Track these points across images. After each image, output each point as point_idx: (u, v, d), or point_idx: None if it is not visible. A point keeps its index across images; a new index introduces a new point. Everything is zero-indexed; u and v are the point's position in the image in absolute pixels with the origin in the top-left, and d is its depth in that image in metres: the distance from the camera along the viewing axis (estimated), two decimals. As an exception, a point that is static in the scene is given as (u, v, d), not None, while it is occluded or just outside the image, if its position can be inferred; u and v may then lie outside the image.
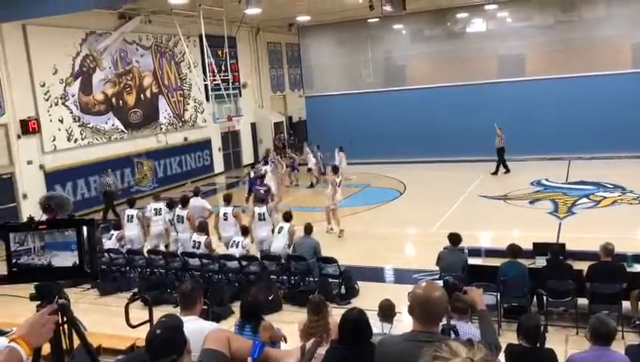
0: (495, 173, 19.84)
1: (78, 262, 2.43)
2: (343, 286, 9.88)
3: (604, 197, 15.48)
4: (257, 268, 10.32)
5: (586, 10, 24.16)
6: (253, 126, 27.60)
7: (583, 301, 8.01)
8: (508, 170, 19.77)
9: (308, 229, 10.60)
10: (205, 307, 8.48)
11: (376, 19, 24.82)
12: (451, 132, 22.91)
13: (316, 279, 9.96)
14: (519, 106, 22.24)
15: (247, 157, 26.88)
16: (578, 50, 23.64)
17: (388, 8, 19.66)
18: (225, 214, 11.65)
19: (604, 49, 23.40)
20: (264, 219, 11.41)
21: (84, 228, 2.46)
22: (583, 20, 24.33)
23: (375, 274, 11.12)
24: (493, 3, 24.26)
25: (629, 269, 8.02)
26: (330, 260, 10.01)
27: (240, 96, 25.27)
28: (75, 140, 18.53)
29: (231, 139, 26.00)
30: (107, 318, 8.83)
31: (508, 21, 25.68)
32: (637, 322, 7.37)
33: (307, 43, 28.19)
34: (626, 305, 7.81)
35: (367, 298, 9.19)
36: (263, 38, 28.44)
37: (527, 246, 8.94)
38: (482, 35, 25.94)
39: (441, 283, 3.20)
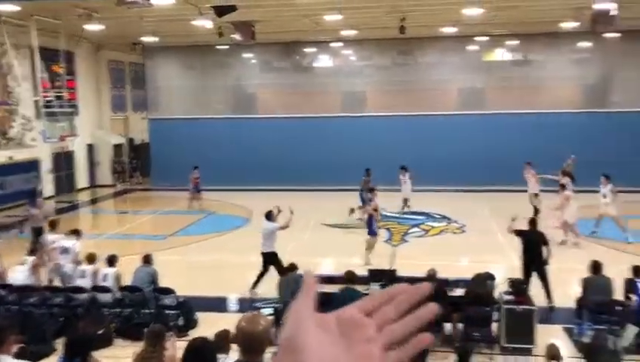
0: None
1: None
2: (181, 318, 9.48)
3: (433, 227, 16.77)
4: (86, 300, 9.54)
5: (420, 55, 26.38)
6: (90, 147, 25.92)
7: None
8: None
9: (146, 258, 10.10)
10: (23, 345, 7.67)
11: (226, 47, 24.86)
12: (298, 162, 23.46)
13: (152, 310, 9.45)
14: (360, 140, 23.46)
15: (82, 180, 25.09)
16: (412, 91, 25.68)
17: (237, 37, 19.79)
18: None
19: (435, 91, 25.71)
20: (67, 253, 10.57)
21: None
22: (417, 64, 26.51)
23: (218, 304, 10.85)
24: (338, 41, 25.52)
25: (451, 293, 8.69)
26: (168, 291, 9.58)
27: (76, 115, 23.64)
28: None
29: (64, 161, 24.09)
30: None
31: (352, 59, 27.17)
32: (456, 344, 7.95)
33: (153, 64, 27.30)
34: (448, 326, 8.44)
35: (208, 329, 8.89)
36: (105, 55, 27.04)
37: (363, 272, 9.35)
38: (328, 70, 27.13)
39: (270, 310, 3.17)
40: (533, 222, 10.76)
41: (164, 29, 21.36)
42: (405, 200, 18.60)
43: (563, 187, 14.85)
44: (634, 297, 8.68)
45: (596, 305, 8.44)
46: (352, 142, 23.44)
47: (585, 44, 25.08)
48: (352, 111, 25.29)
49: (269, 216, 11.25)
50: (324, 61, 27.54)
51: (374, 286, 8.91)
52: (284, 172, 23.15)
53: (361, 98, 26.72)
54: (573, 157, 20.64)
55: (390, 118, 24.22)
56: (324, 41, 25.77)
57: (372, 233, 12.76)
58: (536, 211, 16.05)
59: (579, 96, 25.85)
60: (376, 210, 12.94)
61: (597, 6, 17.18)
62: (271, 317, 3.08)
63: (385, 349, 0.76)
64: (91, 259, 10.18)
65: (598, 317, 8.33)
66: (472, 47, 26.05)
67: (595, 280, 8.84)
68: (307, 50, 27.06)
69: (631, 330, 8.01)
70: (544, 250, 9.96)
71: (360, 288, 8.72)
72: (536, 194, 17.25)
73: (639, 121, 22.20)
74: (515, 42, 26.00)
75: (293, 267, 9.25)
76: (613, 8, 17.09)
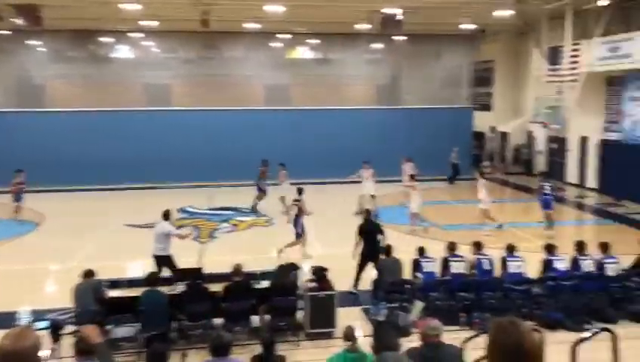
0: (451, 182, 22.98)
1: None
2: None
3: (242, 221, 16.81)
4: None
5: (226, 50, 26.31)
6: None
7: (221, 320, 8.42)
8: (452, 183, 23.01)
9: None
10: None
11: (8, 32, 22.20)
12: (96, 159, 21.79)
13: None
14: (165, 135, 22.61)
15: None
16: (219, 86, 25.50)
17: (20, 22, 17.77)
18: None
19: (242, 86, 25.87)
20: None
21: None
22: (223, 58, 26.40)
23: (5, 319, 9.60)
24: (139, 31, 24.29)
25: (257, 286, 8.76)
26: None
27: None
28: None
29: None
30: None
31: (154, 51, 26.09)
32: (266, 334, 8.04)
33: None
34: (256, 318, 8.49)
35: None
36: None
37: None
38: (129, 62, 25.71)
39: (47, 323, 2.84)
40: (367, 212, 11.51)
41: None
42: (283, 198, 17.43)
43: (412, 177, 15.85)
44: (419, 275, 9.62)
45: (389, 284, 9.17)
46: (155, 137, 22.50)
47: (378, 46, 27.18)
48: (155, 105, 24.27)
49: (167, 215, 10.45)
50: (124, 52, 26.08)
51: (180, 287, 8.64)
52: (81, 171, 21.37)
53: (166, 91, 25.82)
54: (456, 149, 22.84)
55: (197, 112, 23.69)
56: (124, 31, 24.36)
57: (299, 234, 12.88)
58: (368, 211, 16.61)
59: (374, 94, 27.97)
60: (302, 210, 12.92)
61: (385, 10, 18.75)
62: (44, 332, 2.71)
63: None
64: None
65: (391, 296, 9.04)
66: (276, 45, 26.69)
67: (387, 262, 9.61)
68: (104, 39, 25.39)
69: (418, 305, 8.85)
70: (380, 238, 10.51)
71: (165, 289, 8.41)
72: (372, 196, 16.89)
73: (427, 117, 24.54)
74: (316, 41, 27.23)
75: (90, 273, 8.54)
76: (399, 13, 18.81)
